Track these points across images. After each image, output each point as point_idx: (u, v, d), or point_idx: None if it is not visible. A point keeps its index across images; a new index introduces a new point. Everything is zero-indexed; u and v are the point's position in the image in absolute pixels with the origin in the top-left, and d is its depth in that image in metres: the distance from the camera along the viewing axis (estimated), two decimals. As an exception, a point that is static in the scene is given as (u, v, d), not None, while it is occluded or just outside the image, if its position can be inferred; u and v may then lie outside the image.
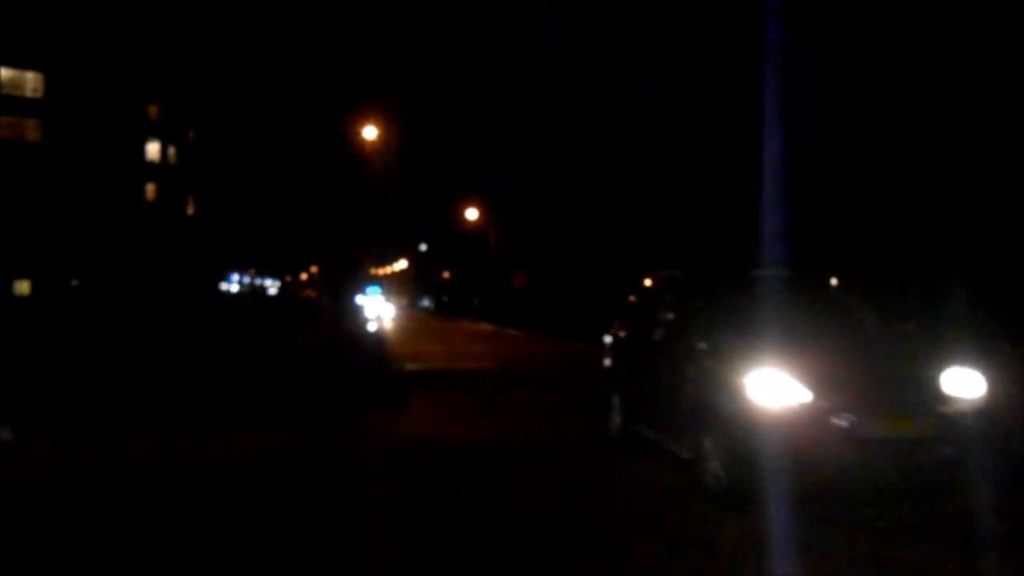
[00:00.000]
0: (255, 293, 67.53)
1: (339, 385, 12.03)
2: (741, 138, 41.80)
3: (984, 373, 5.50)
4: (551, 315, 36.09)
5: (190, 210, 60.11)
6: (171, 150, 57.79)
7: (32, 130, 49.54)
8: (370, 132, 34.48)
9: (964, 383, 5.37)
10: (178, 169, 58.26)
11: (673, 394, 6.28)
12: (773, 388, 5.20)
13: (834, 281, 8.21)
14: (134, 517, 5.44)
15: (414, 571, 4.49)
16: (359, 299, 45.16)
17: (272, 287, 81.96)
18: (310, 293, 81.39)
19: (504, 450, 7.84)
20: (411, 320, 47.68)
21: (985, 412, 5.33)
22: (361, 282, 51.49)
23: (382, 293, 52.25)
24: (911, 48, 32.72)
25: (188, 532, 5.14)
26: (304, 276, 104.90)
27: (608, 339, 8.85)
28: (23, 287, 47.48)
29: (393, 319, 45.61)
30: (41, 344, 17.91)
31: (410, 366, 16.43)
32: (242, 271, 79.61)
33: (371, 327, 27.76)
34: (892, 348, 6.21)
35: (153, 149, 56.54)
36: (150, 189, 56.04)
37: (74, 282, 47.57)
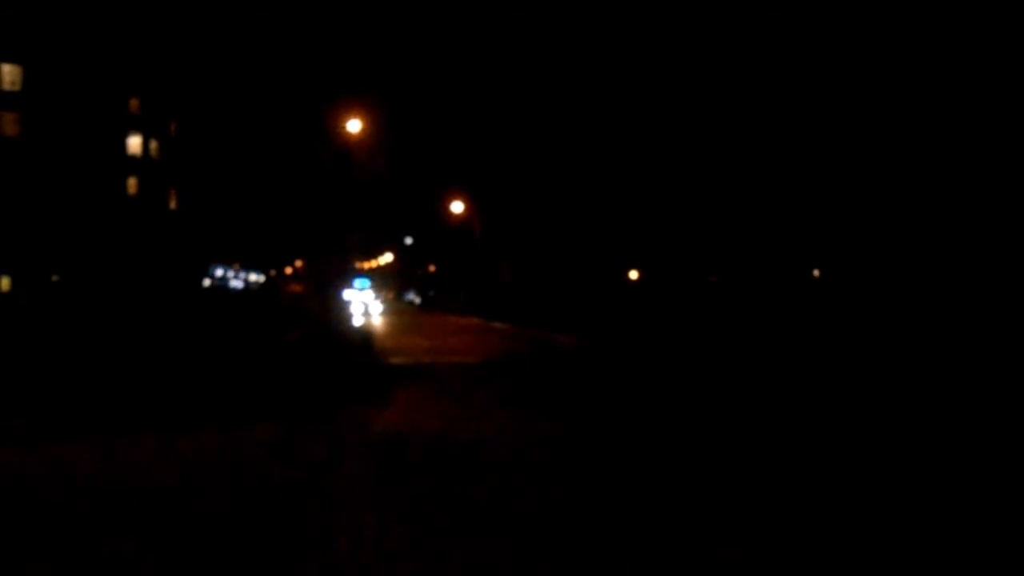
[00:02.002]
0: (218, 288, 65.80)
1: (325, 381, 11.92)
2: (722, 140, 42.12)
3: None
4: (536, 308, 36.08)
5: (172, 204, 59.56)
6: (153, 144, 57.15)
7: (10, 124, 48.85)
8: (354, 125, 34.22)
9: None
10: (160, 163, 57.65)
11: None
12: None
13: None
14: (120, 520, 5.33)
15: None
16: (346, 294, 44.90)
17: (235, 280, 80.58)
18: (296, 287, 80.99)
19: (479, 442, 7.79)
20: (397, 314, 47.49)
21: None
22: (347, 276, 51.24)
23: (370, 287, 51.98)
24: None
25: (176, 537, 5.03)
26: (289, 270, 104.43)
27: None
28: (2, 283, 46.93)
29: (381, 313, 45.43)
30: (19, 341, 17.65)
31: (396, 360, 16.34)
32: (226, 265, 79.04)
33: (357, 322, 27.61)
34: None
35: (134, 143, 55.90)
36: (132, 183, 55.41)
37: (54, 278, 47.03)
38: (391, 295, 78.98)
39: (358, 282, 51.83)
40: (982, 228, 31.39)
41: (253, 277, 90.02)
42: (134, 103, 55.08)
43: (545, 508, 5.56)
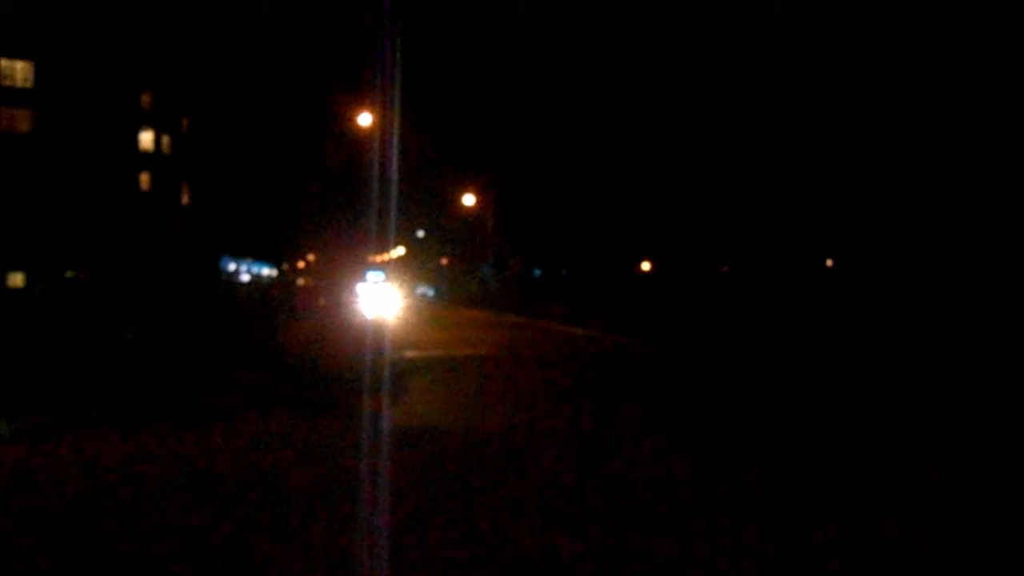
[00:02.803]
0: (230, 282, 65.52)
1: (337, 374, 11.89)
2: (729, 135, 41.87)
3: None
4: (549, 300, 35.98)
5: (185, 199, 59.76)
6: (165, 139, 57.35)
7: (23, 120, 49.09)
8: (365, 119, 34.19)
9: None
10: (172, 158, 57.86)
11: None
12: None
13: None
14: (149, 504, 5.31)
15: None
16: (360, 287, 44.80)
17: (243, 274, 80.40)
18: (309, 281, 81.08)
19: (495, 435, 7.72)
20: (409, 308, 47.49)
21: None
22: (360, 269, 51.18)
23: (384, 279, 51.70)
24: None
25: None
26: (301, 264, 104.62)
27: None
28: (16, 279, 47.21)
29: (396, 307, 45.33)
30: (36, 336, 17.72)
31: (409, 353, 16.29)
32: (239, 260, 79.26)
33: (370, 315, 27.62)
34: None
35: (146, 138, 56.11)
36: (144, 179, 55.64)
37: (69, 273, 47.29)
38: (403, 288, 78.93)
39: (372, 274, 51.76)
40: (994, 220, 31.10)
41: (266, 271, 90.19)
42: (146, 98, 55.26)
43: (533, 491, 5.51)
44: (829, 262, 43.88)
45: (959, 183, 32.47)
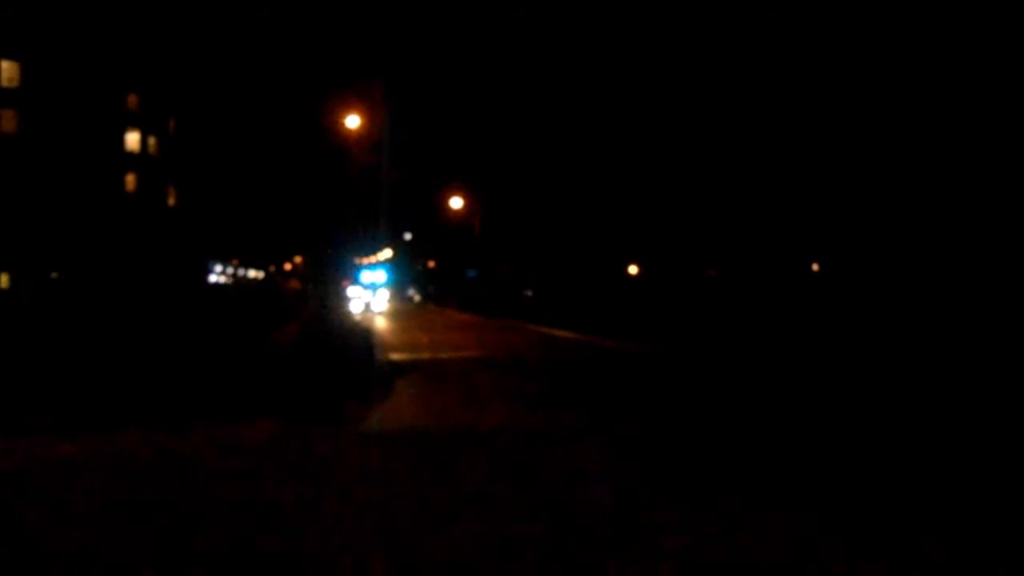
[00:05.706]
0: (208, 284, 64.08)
1: (324, 377, 11.90)
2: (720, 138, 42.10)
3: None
4: (536, 303, 36.05)
5: (171, 201, 59.49)
6: (151, 140, 57.08)
7: (8, 120, 48.79)
8: (352, 121, 34.10)
9: None
10: (158, 159, 57.59)
11: None
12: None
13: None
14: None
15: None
16: (350, 290, 44.62)
17: (216, 275, 79.45)
18: (295, 283, 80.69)
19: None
20: (396, 311, 47.47)
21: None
22: (347, 271, 50.86)
23: (382, 283, 51.02)
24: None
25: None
26: (288, 266, 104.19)
27: None
28: (1, 280, 46.91)
29: (385, 310, 45.26)
30: (20, 337, 17.62)
31: (396, 356, 16.32)
32: (225, 262, 78.94)
33: (357, 317, 27.60)
34: None
35: (133, 139, 55.82)
36: (130, 180, 55.36)
37: (54, 274, 47.01)
38: (390, 291, 78.82)
39: (365, 275, 51.27)
40: (980, 224, 31.37)
41: (252, 273, 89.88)
42: (132, 99, 55.00)
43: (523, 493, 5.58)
44: (815, 266, 44.19)
45: (947, 186, 32.70)
